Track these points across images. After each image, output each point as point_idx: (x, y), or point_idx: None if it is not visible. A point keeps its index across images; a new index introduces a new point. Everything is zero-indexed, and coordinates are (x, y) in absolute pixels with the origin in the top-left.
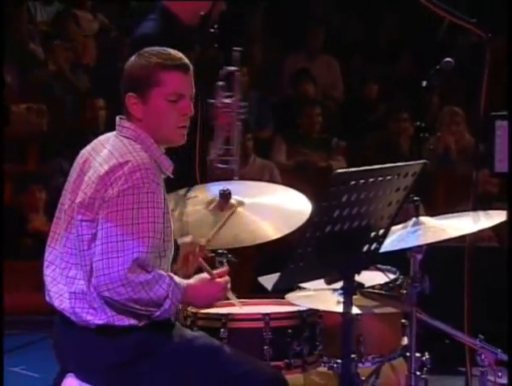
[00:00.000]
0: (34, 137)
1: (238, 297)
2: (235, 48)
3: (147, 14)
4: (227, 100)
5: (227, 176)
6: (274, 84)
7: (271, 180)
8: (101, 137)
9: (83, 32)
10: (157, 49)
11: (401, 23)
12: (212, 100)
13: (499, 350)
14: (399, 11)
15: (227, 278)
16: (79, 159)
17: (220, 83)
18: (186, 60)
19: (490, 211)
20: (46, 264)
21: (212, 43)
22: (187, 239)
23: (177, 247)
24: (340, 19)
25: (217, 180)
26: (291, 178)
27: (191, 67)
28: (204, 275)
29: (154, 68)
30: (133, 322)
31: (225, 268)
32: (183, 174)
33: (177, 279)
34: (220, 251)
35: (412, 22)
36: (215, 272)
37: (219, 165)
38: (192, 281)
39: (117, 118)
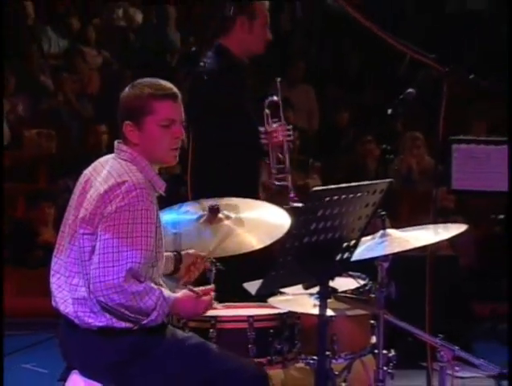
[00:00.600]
0: (44, 159)
1: (226, 301)
2: (277, 79)
3: (145, 50)
4: (275, 125)
5: (283, 192)
6: (257, 112)
7: (255, 197)
8: (101, 159)
9: (88, 66)
10: (149, 80)
11: (368, 58)
12: (262, 128)
13: (456, 347)
14: (365, 49)
15: (211, 296)
16: (81, 179)
17: (267, 111)
18: (175, 89)
19: (448, 224)
20: (52, 273)
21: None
22: (191, 251)
23: (180, 257)
24: (316, 54)
25: (274, 197)
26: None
27: (179, 95)
28: (192, 291)
29: (147, 98)
30: (129, 324)
31: (212, 286)
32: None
33: (166, 293)
34: (210, 259)
35: (378, 57)
36: (201, 288)
37: (275, 182)
38: (179, 295)
39: (116, 142)
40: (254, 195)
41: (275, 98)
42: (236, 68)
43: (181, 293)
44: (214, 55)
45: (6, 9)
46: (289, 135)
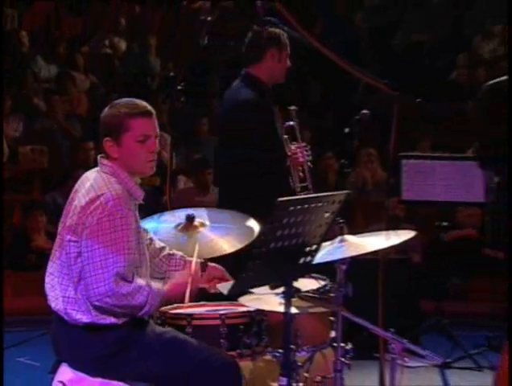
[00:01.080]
0: (37, 173)
1: (202, 300)
2: (292, 108)
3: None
4: (294, 147)
5: None
6: None
7: None
8: (88, 172)
9: (77, 89)
10: (125, 100)
11: (328, 85)
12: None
13: (406, 340)
14: (325, 76)
15: (198, 274)
16: (74, 189)
17: (286, 136)
18: (149, 108)
19: (399, 231)
20: (47, 274)
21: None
22: (220, 267)
23: (205, 265)
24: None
25: None
26: None
27: (154, 112)
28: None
29: (124, 117)
30: (113, 320)
31: (200, 261)
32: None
33: (155, 287)
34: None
35: (337, 83)
36: (193, 268)
37: None
38: (170, 284)
39: (99, 157)
40: None
41: (291, 123)
42: (268, 95)
43: (170, 282)
44: (246, 84)
45: (3, 39)
46: (308, 155)
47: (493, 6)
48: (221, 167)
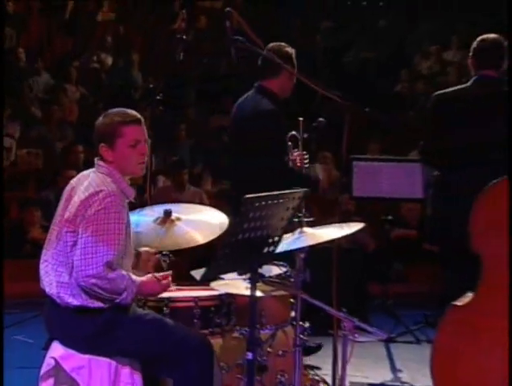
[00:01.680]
0: (32, 173)
1: (177, 285)
2: (300, 118)
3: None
4: (295, 154)
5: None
6: (203, 136)
7: (201, 202)
8: (85, 172)
9: (69, 99)
10: (117, 110)
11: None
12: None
13: (356, 319)
14: None
15: (169, 280)
16: (68, 187)
17: (290, 143)
18: (139, 116)
19: (350, 223)
20: (42, 261)
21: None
22: (145, 248)
23: (138, 253)
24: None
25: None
26: (214, 201)
27: (142, 120)
28: (154, 276)
29: (117, 125)
30: (101, 304)
31: (169, 272)
32: None
33: (133, 277)
34: (165, 252)
35: (296, 94)
36: (161, 274)
37: None
38: (144, 278)
39: (96, 159)
40: None
41: (294, 132)
42: (280, 107)
43: (145, 277)
44: (264, 95)
45: (3, 55)
46: (305, 161)
47: (431, 30)
48: (239, 172)
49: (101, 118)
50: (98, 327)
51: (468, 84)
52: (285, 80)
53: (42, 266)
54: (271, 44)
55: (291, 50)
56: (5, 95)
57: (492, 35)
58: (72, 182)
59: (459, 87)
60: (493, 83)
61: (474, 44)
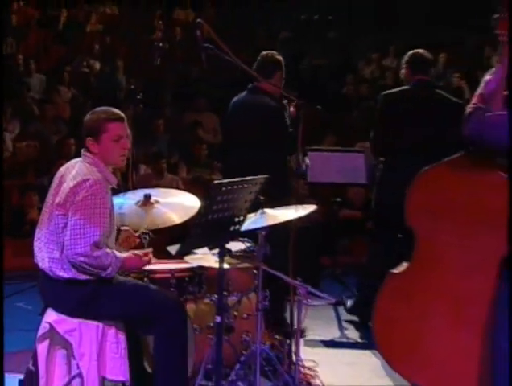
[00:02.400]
0: (30, 163)
1: (156, 259)
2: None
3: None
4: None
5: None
6: (178, 131)
7: (177, 187)
8: (72, 161)
9: (62, 99)
10: (103, 108)
11: None
12: None
13: (309, 286)
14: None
15: (150, 257)
16: (58, 174)
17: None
18: (122, 114)
19: (304, 205)
20: (36, 239)
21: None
22: (126, 227)
23: (119, 231)
24: (216, 92)
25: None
26: (188, 186)
27: (125, 118)
28: (136, 252)
29: (103, 121)
30: (88, 277)
31: (150, 249)
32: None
33: (117, 254)
34: (145, 231)
35: None
36: (143, 251)
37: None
38: (126, 255)
39: (82, 150)
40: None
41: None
42: None
43: (127, 254)
44: (264, 94)
45: (4, 61)
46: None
47: (372, 40)
48: (255, 164)
49: (88, 115)
50: (86, 296)
51: (409, 86)
52: (276, 82)
53: (36, 243)
54: (265, 52)
55: (280, 57)
56: (5, 96)
57: (420, 50)
58: (62, 169)
59: (402, 88)
60: (429, 85)
61: (407, 57)
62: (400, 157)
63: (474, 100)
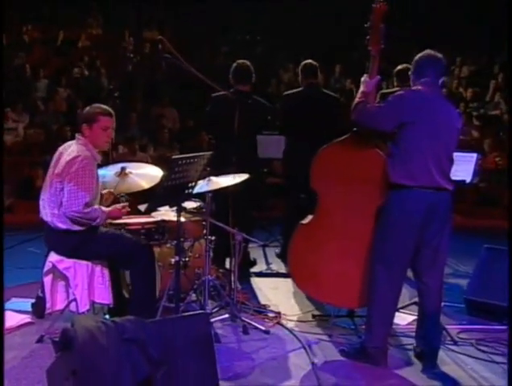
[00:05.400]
0: (36, 145)
1: (130, 214)
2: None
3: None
4: None
5: None
6: (147, 121)
7: (146, 162)
8: (68, 143)
9: (60, 97)
10: (97, 105)
11: (203, 94)
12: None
13: (244, 233)
14: (201, 87)
15: (127, 209)
16: (57, 152)
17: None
18: (111, 110)
19: (240, 175)
20: (40, 199)
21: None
22: (106, 191)
23: (102, 194)
24: (177, 92)
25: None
26: (155, 161)
27: (113, 113)
28: (116, 206)
29: (97, 114)
30: (80, 228)
31: (126, 203)
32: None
33: (103, 208)
34: (122, 194)
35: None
36: (121, 205)
37: None
38: (110, 208)
39: (76, 135)
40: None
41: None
42: None
43: (111, 207)
44: (242, 96)
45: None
46: None
47: (290, 54)
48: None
49: (87, 108)
50: (78, 241)
51: (302, 88)
52: (252, 85)
53: (40, 202)
54: (242, 61)
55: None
56: (18, 95)
57: (309, 60)
58: (60, 148)
59: (298, 89)
60: (316, 87)
61: (300, 66)
62: (298, 140)
63: (358, 95)
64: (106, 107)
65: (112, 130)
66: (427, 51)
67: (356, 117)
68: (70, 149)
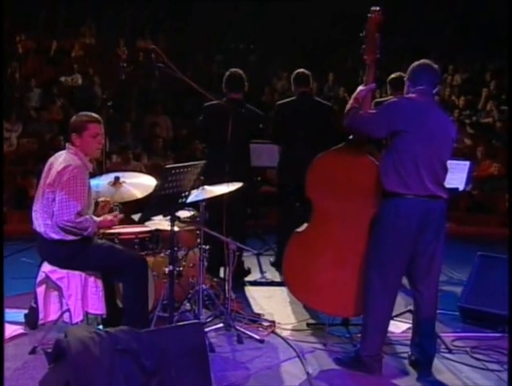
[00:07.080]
0: (30, 154)
1: (123, 224)
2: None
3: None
4: None
5: None
6: (141, 129)
7: (140, 171)
8: (59, 153)
9: (55, 106)
10: (85, 113)
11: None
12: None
13: (238, 242)
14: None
15: (119, 217)
16: (48, 162)
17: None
18: (99, 118)
19: (235, 183)
20: (33, 210)
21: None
22: (102, 199)
23: (97, 202)
24: (170, 101)
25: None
26: (149, 171)
27: (101, 121)
28: (106, 216)
29: (85, 122)
30: (73, 237)
31: (118, 212)
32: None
33: (95, 218)
34: (116, 204)
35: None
36: (113, 214)
37: None
38: (101, 218)
39: (67, 144)
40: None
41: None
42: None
43: (102, 217)
44: (235, 104)
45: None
46: None
47: (283, 62)
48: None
49: (74, 117)
50: (71, 252)
51: (295, 96)
52: (244, 94)
53: (33, 214)
54: (235, 70)
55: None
56: (12, 105)
57: (301, 69)
58: (51, 159)
59: (291, 99)
60: (309, 96)
61: (293, 75)
62: (292, 148)
63: (351, 101)
64: (93, 114)
65: (102, 137)
66: (424, 61)
67: (348, 123)
68: (61, 159)
